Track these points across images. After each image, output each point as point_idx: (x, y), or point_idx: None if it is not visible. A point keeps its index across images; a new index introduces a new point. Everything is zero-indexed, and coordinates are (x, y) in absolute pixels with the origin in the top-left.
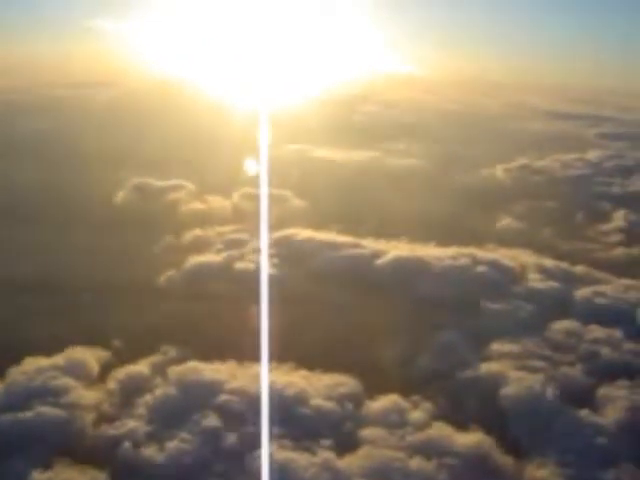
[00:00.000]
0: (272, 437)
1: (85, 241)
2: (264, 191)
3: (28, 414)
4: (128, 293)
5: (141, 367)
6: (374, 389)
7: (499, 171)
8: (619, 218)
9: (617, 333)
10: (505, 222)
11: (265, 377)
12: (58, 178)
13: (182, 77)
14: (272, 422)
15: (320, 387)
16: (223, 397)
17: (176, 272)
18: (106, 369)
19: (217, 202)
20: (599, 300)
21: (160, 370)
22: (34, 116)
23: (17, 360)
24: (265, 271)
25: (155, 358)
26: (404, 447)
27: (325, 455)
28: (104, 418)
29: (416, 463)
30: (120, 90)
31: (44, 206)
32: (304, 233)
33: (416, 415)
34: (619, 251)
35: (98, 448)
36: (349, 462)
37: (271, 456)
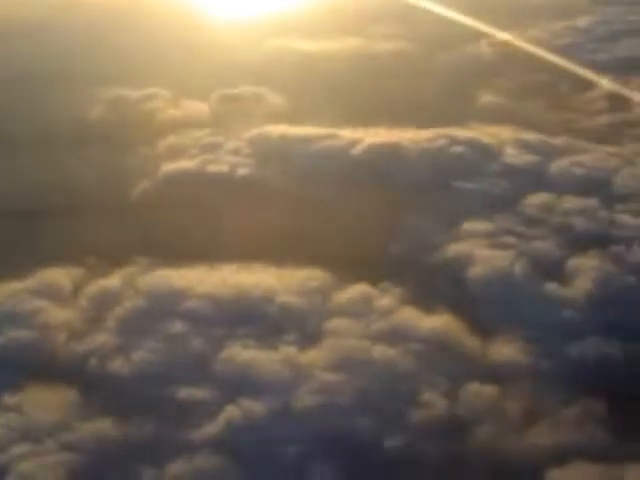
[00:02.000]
0: (236, 337)
1: (56, 160)
2: (242, 91)
3: None
4: (101, 208)
5: (112, 281)
6: (345, 281)
7: (484, 46)
8: (604, 85)
9: (593, 202)
10: (488, 99)
11: (233, 279)
12: (28, 98)
13: None
14: (237, 322)
15: (289, 283)
16: (190, 302)
17: (149, 182)
18: (79, 286)
19: (194, 107)
20: (576, 170)
21: (131, 282)
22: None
23: None
24: (238, 172)
25: (127, 270)
26: (368, 335)
27: (287, 350)
28: (75, 335)
29: (379, 350)
30: (90, 6)
31: (13, 127)
32: (280, 129)
33: (383, 302)
34: (603, 118)
35: (68, 366)
36: (311, 355)
37: (233, 357)
